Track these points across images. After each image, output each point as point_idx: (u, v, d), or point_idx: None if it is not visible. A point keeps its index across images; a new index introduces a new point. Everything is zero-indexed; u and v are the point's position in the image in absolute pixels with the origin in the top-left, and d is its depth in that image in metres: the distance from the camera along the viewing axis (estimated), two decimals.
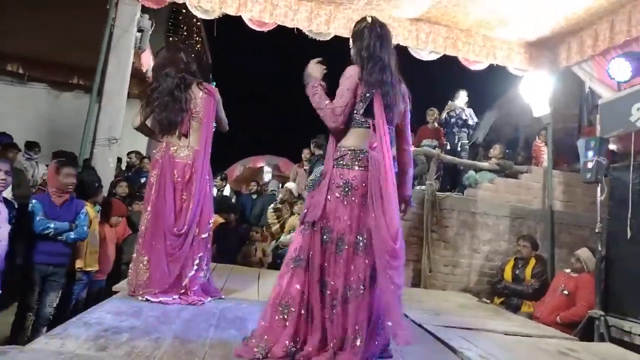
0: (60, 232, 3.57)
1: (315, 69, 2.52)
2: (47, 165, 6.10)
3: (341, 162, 2.39)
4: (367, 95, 2.38)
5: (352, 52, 2.56)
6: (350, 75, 2.41)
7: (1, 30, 7.67)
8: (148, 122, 3.41)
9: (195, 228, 3.26)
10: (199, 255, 3.27)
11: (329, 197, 2.36)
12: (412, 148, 2.65)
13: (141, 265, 3.19)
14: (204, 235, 3.31)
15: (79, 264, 3.99)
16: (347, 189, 2.33)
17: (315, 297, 2.29)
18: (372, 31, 2.48)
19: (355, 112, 2.40)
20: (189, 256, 3.23)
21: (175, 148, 3.29)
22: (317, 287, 2.30)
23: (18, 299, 3.55)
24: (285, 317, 2.28)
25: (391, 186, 2.32)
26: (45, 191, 3.70)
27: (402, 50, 6.32)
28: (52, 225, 3.52)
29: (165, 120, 3.25)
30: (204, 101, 3.37)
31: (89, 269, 4.09)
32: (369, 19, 2.53)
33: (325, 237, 2.34)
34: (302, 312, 2.28)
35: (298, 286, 2.30)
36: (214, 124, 3.48)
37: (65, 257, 3.71)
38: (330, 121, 2.37)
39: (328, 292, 2.29)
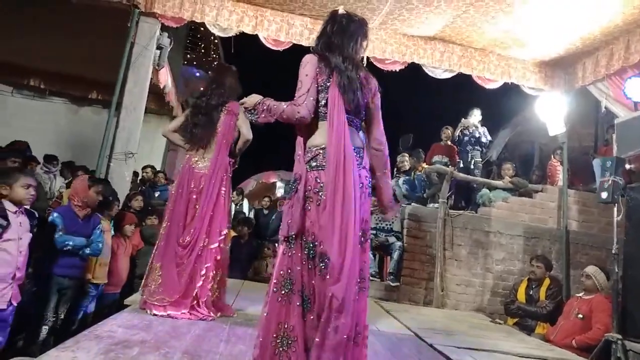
0: (78, 248, 3.64)
1: (251, 99, 2.31)
2: (63, 178, 6.24)
3: (314, 163, 2.16)
4: (327, 83, 2.20)
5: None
6: (307, 62, 2.24)
7: (24, 46, 7.91)
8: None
9: (204, 238, 3.30)
10: (206, 265, 3.27)
11: (307, 205, 2.13)
12: (386, 150, 2.34)
13: (155, 272, 3.27)
14: (213, 246, 3.31)
15: (86, 275, 4.02)
16: None
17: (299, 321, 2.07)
18: (335, 22, 2.34)
19: (319, 104, 2.21)
20: (196, 267, 3.25)
21: (196, 159, 3.47)
22: (300, 311, 2.07)
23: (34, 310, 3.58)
24: (287, 349, 2.03)
25: (350, 190, 2.07)
26: (68, 205, 3.76)
27: (417, 69, 6.38)
28: (71, 243, 3.60)
29: (197, 136, 3.45)
30: (225, 118, 3.50)
31: (97, 281, 4.11)
32: (340, 11, 2.39)
33: (308, 252, 2.10)
34: (303, 343, 2.04)
35: (296, 313, 2.06)
36: (233, 138, 3.58)
37: (80, 269, 3.78)
38: (296, 114, 2.14)
39: (313, 316, 2.05)
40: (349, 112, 2.21)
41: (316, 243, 2.07)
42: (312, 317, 2.04)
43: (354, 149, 2.19)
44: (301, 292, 2.09)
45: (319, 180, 2.11)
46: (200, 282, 3.23)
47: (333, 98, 2.17)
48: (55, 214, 3.59)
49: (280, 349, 2.04)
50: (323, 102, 2.20)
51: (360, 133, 2.33)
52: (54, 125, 9.48)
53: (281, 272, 2.13)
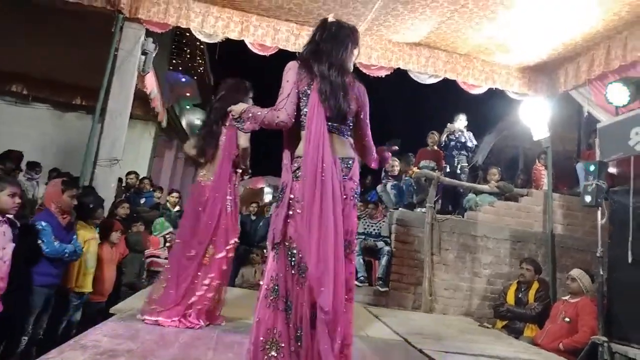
0: (71, 255, 3.59)
1: (237, 107, 2.36)
2: (46, 184, 6.14)
3: (299, 173, 2.17)
4: (307, 91, 2.20)
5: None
6: (289, 68, 2.25)
7: (6, 51, 7.79)
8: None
9: (209, 248, 3.32)
10: (211, 275, 3.26)
11: (290, 213, 2.15)
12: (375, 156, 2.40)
13: (160, 285, 3.31)
14: (219, 256, 3.31)
15: (68, 284, 3.93)
16: None
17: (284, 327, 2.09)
18: (325, 29, 2.33)
19: (301, 111, 2.20)
20: (199, 276, 3.25)
21: (203, 173, 3.53)
22: (284, 316, 2.09)
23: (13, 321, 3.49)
24: (276, 355, 2.06)
25: (328, 201, 2.05)
26: (49, 211, 3.68)
27: (402, 75, 6.43)
28: (67, 250, 3.54)
29: (202, 150, 3.53)
30: (227, 131, 3.50)
31: (81, 290, 4.02)
32: (330, 18, 2.38)
33: (290, 259, 2.13)
34: (292, 347, 2.06)
35: (281, 319, 2.09)
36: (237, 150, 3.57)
37: (59, 277, 3.69)
38: (275, 119, 2.15)
39: (291, 324, 2.07)
40: (330, 119, 2.20)
41: (295, 252, 2.10)
42: (292, 325, 2.07)
43: (341, 159, 2.20)
44: (285, 298, 2.11)
45: (301, 191, 2.13)
46: (202, 292, 3.22)
47: (312, 106, 2.16)
48: (43, 223, 3.51)
49: (270, 354, 2.05)
50: (304, 110, 2.19)
51: (351, 139, 2.31)
52: (37, 131, 9.35)
53: (270, 278, 2.15)
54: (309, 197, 2.06)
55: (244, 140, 3.50)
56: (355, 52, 2.38)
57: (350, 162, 2.24)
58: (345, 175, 2.20)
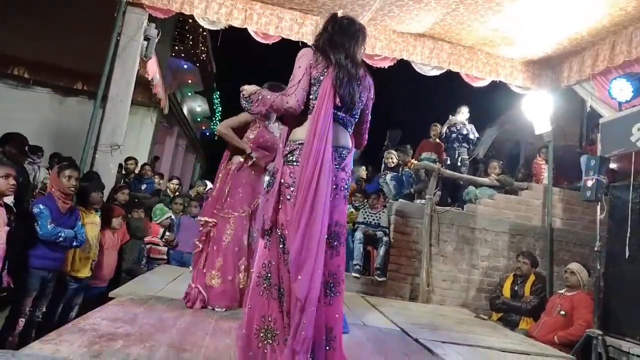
0: (68, 239, 3.60)
1: (248, 88, 2.37)
2: (47, 169, 6.15)
3: (291, 158, 2.16)
4: (320, 77, 2.19)
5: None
6: (303, 55, 2.25)
7: (8, 34, 7.76)
8: None
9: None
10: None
11: (280, 199, 2.13)
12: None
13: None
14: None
15: (64, 267, 3.92)
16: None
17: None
18: (337, 22, 2.35)
19: (310, 97, 2.19)
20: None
21: None
22: (277, 304, 2.10)
23: (11, 304, 3.52)
24: (271, 342, 2.06)
25: (322, 190, 2.02)
26: (51, 195, 3.69)
27: (405, 66, 6.39)
28: (62, 234, 3.55)
29: None
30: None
31: (79, 275, 4.03)
32: (339, 13, 2.42)
33: (281, 246, 2.11)
34: (286, 334, 2.05)
35: (275, 306, 2.10)
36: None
37: (60, 262, 3.72)
38: (284, 104, 2.14)
39: (284, 311, 2.08)
40: (339, 108, 2.20)
41: (285, 238, 2.08)
42: (285, 312, 2.07)
43: (337, 148, 2.19)
44: (278, 286, 2.11)
45: (292, 176, 2.11)
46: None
47: (324, 91, 2.14)
48: (41, 206, 3.52)
49: (265, 341, 2.07)
50: (314, 95, 2.18)
51: (351, 130, 2.32)
52: (38, 115, 9.30)
53: (262, 265, 2.16)
54: (305, 185, 2.02)
55: (222, 127, 3.70)
56: (363, 48, 2.41)
57: (344, 152, 2.25)
58: (338, 165, 2.20)
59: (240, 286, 3.49)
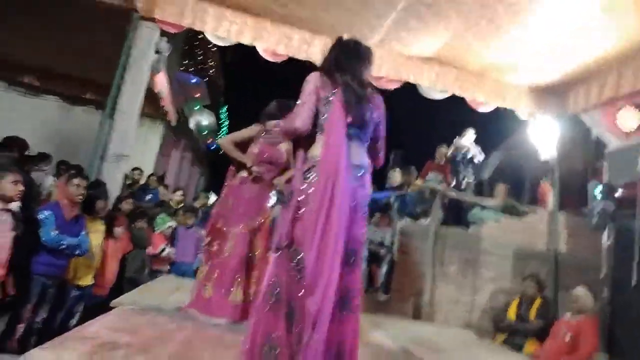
0: (71, 247, 3.59)
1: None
2: (54, 176, 6.17)
3: (307, 175, 2.18)
4: (329, 97, 2.23)
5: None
6: (310, 79, 2.31)
7: (19, 42, 7.86)
8: None
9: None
10: None
11: (297, 215, 2.15)
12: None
13: None
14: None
15: (66, 275, 3.91)
16: None
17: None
18: (343, 45, 2.41)
19: (322, 117, 2.25)
20: None
21: None
22: (284, 321, 2.09)
23: (12, 309, 3.50)
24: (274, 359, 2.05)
25: (337, 206, 2.03)
26: (57, 203, 3.71)
27: (410, 87, 6.44)
28: (65, 242, 3.54)
29: None
30: None
31: (81, 282, 4.03)
32: (345, 36, 2.46)
33: (297, 263, 2.11)
34: (291, 350, 2.05)
35: (281, 324, 2.09)
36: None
37: (63, 269, 3.71)
38: (291, 126, 2.25)
39: (293, 330, 2.06)
40: (351, 126, 2.22)
41: (300, 253, 2.08)
42: (296, 330, 2.04)
43: (354, 166, 2.20)
44: (287, 303, 2.10)
45: (308, 192, 2.12)
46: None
47: (334, 112, 2.18)
48: (46, 212, 3.53)
49: (267, 358, 2.04)
50: (325, 115, 2.23)
51: (367, 148, 2.34)
52: (45, 123, 9.38)
53: (270, 282, 2.14)
54: (319, 201, 2.04)
55: (224, 140, 3.86)
56: (370, 69, 2.47)
57: (363, 170, 2.25)
58: (357, 182, 2.21)
59: (230, 299, 3.41)
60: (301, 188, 2.17)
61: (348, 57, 2.36)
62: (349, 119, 2.20)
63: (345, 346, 2.07)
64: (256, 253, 3.55)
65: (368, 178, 2.28)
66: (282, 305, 2.10)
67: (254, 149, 3.69)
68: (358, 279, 2.20)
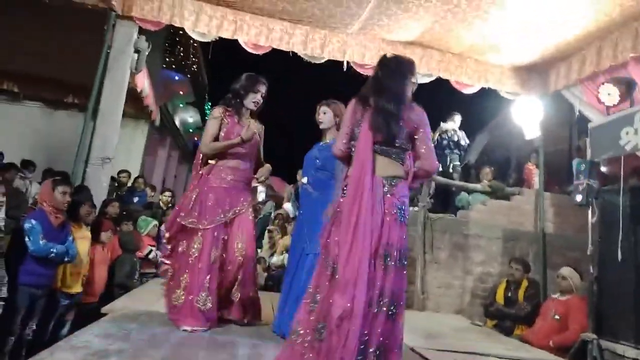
0: (61, 255, 3.56)
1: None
2: (39, 183, 6.10)
3: (344, 189, 2.47)
4: (360, 120, 2.51)
5: None
6: (348, 107, 2.60)
7: None
8: None
9: None
10: None
11: (334, 224, 2.44)
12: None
13: None
14: None
15: (55, 284, 3.87)
16: None
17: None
18: (384, 65, 2.60)
19: (355, 139, 2.52)
20: None
21: None
22: (307, 308, 2.35)
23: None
24: (295, 338, 2.30)
25: (364, 214, 2.29)
26: (42, 210, 3.66)
27: None
28: (54, 250, 3.51)
29: None
30: None
31: (70, 290, 3.99)
32: (388, 55, 2.68)
33: (332, 270, 2.34)
34: (309, 337, 2.28)
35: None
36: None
37: (50, 278, 3.68)
38: (335, 153, 2.63)
39: (313, 317, 2.31)
40: (380, 142, 2.44)
41: (332, 257, 2.36)
42: (312, 318, 2.29)
43: (385, 178, 2.42)
44: (314, 292, 2.37)
45: (343, 204, 2.43)
46: None
47: (362, 133, 2.47)
48: (33, 221, 3.48)
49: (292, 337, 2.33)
50: (356, 136, 2.51)
51: (402, 160, 2.49)
52: (28, 129, 9.26)
53: (314, 287, 2.40)
54: (348, 210, 2.34)
55: (205, 148, 3.44)
56: (414, 80, 2.65)
57: (394, 180, 2.44)
58: (388, 192, 2.41)
59: (200, 306, 3.11)
60: (340, 201, 2.47)
61: (387, 78, 2.54)
62: (378, 138, 2.44)
63: (384, 345, 2.24)
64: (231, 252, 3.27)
65: (401, 189, 2.44)
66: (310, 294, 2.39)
67: (222, 132, 3.38)
68: (396, 279, 2.34)
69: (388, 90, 2.51)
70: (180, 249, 3.27)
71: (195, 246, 3.19)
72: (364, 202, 2.32)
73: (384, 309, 2.26)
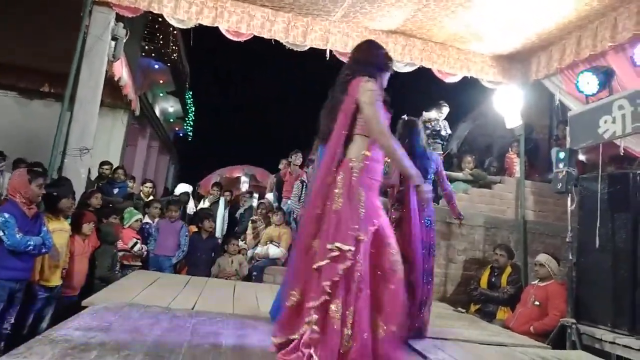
0: (37, 247, 3.47)
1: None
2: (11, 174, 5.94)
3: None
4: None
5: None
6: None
7: None
8: None
9: None
10: None
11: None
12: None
13: None
14: None
15: (33, 277, 3.77)
16: None
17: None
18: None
19: None
20: None
21: None
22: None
23: None
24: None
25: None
26: (14, 202, 3.54)
27: None
28: (32, 243, 3.42)
29: None
30: None
31: (49, 284, 3.91)
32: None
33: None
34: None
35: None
36: None
37: (28, 271, 3.59)
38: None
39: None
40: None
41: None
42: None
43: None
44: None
45: None
46: None
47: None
48: (6, 215, 3.38)
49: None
50: None
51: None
52: (3, 120, 8.99)
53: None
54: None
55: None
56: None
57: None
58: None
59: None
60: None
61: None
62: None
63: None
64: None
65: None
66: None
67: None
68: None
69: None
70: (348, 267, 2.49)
71: (360, 265, 2.61)
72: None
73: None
